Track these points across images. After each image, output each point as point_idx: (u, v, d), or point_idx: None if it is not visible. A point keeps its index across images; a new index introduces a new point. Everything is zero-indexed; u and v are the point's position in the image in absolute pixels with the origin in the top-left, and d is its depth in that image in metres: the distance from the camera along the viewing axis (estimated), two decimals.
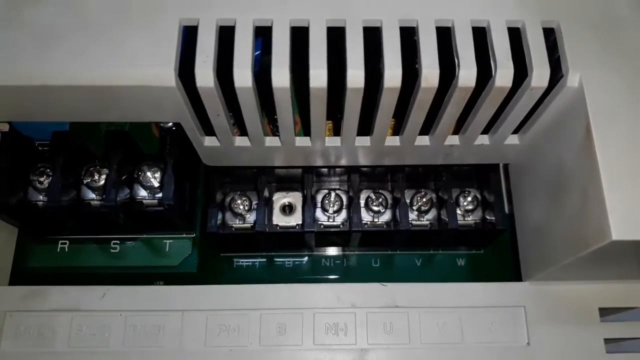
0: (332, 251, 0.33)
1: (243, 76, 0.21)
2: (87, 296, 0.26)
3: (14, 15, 0.22)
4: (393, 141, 0.27)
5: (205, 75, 0.21)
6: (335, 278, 0.32)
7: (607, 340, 0.26)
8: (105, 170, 0.26)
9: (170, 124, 0.27)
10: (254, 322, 0.26)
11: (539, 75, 0.22)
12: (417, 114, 0.24)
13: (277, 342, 0.25)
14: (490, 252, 0.33)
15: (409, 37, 0.22)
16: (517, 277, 0.31)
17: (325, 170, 0.31)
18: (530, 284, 0.27)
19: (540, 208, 0.26)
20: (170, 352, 0.25)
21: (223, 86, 0.22)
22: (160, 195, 0.26)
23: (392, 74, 0.21)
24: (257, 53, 0.23)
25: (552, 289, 0.27)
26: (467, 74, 0.21)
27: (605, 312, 0.26)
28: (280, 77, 0.21)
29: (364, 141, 0.27)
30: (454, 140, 0.27)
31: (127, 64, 0.21)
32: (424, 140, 0.27)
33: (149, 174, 0.26)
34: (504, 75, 0.22)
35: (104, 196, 0.25)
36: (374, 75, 0.22)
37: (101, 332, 0.25)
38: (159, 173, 0.26)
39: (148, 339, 0.25)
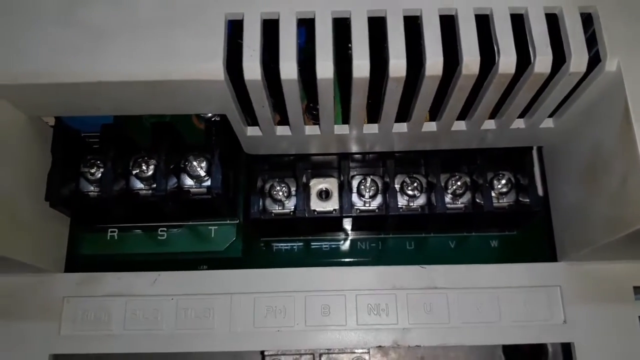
0: (368, 234, 0.33)
1: (289, 68, 0.22)
2: (139, 282, 0.27)
3: (67, 14, 0.23)
4: (430, 127, 0.27)
5: (252, 68, 0.22)
6: (370, 261, 0.33)
7: None
8: (153, 161, 0.27)
9: (212, 115, 0.27)
10: (299, 303, 0.27)
11: (578, 61, 0.22)
12: (456, 101, 0.24)
13: (322, 323, 0.26)
14: (522, 233, 0.33)
15: (448, 25, 0.23)
16: (548, 257, 0.32)
17: (359, 156, 0.32)
18: (565, 264, 0.28)
19: (575, 189, 0.27)
20: (220, 334, 0.26)
21: (268, 78, 0.23)
22: (207, 183, 0.27)
23: (434, 63, 0.22)
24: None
25: (587, 268, 0.27)
26: (507, 61, 0.22)
27: None
28: (325, 68, 0.22)
29: (401, 127, 0.27)
30: (490, 124, 0.27)
31: (177, 59, 0.22)
32: (460, 125, 0.27)
33: (195, 163, 0.27)
34: (543, 61, 0.22)
35: (154, 186, 0.26)
36: (414, 63, 0.22)
37: (154, 315, 0.27)
38: (204, 162, 0.27)
39: (199, 321, 0.26)
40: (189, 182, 0.27)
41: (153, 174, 0.27)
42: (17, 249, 0.24)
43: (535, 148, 0.32)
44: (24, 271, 0.26)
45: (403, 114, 0.26)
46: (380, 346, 0.26)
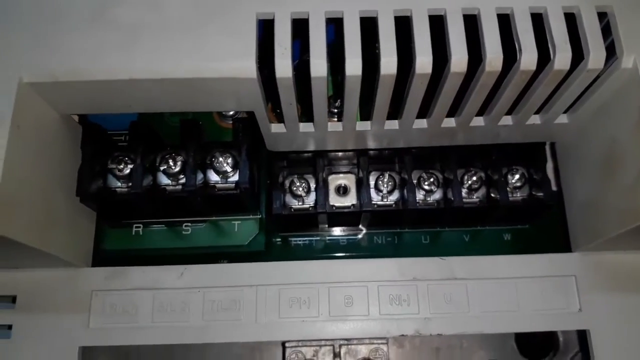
0: (384, 228, 0.34)
1: (319, 66, 0.23)
2: (166, 275, 0.28)
3: (100, 13, 0.24)
4: (449, 123, 0.28)
5: (284, 66, 0.23)
6: (387, 254, 0.33)
7: None
8: (180, 157, 0.27)
9: (236, 112, 0.28)
10: (322, 294, 0.28)
11: (596, 58, 0.23)
12: (477, 97, 0.25)
13: (345, 313, 0.27)
14: (534, 227, 0.34)
15: (470, 23, 0.24)
16: (560, 249, 0.33)
17: (376, 152, 0.32)
18: (580, 254, 0.29)
19: (590, 183, 0.28)
20: (246, 325, 0.27)
21: (296, 76, 0.24)
22: (233, 179, 0.28)
23: (459, 59, 0.23)
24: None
25: (600, 258, 0.28)
26: (529, 58, 0.23)
27: None
28: (354, 66, 0.23)
29: (421, 124, 0.28)
30: (507, 120, 0.28)
31: (209, 57, 0.23)
32: (478, 121, 0.28)
33: (221, 159, 0.28)
34: (562, 58, 0.23)
35: (181, 181, 0.27)
36: (438, 61, 0.23)
37: (181, 308, 0.27)
38: (230, 159, 0.28)
39: (225, 313, 0.27)
40: (215, 177, 0.28)
41: (180, 170, 0.27)
42: (51, 243, 0.25)
43: (548, 143, 0.33)
44: (54, 265, 0.27)
45: (421, 111, 0.27)
46: (402, 335, 0.27)
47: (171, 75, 0.23)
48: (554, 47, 0.23)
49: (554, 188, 0.33)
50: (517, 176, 0.32)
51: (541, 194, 0.31)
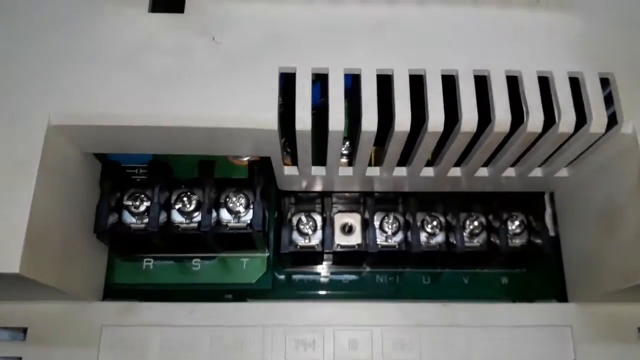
0: (386, 268, 0.36)
1: (337, 121, 0.24)
2: (176, 312, 0.29)
3: (129, 60, 0.25)
4: (455, 172, 0.30)
5: (304, 119, 0.24)
6: (389, 293, 0.35)
7: None
8: (195, 197, 0.29)
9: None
10: (328, 337, 0.29)
11: (597, 123, 0.25)
12: (484, 152, 0.27)
13: (349, 357, 0.29)
14: (531, 271, 0.36)
15: (479, 84, 0.26)
16: (555, 294, 0.35)
17: (381, 193, 0.34)
18: (576, 305, 0.31)
19: (588, 235, 0.30)
20: None
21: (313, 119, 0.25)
22: (245, 218, 0.29)
23: (469, 120, 0.25)
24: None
25: (597, 309, 0.30)
26: (535, 121, 0.25)
27: None
28: (369, 122, 0.24)
29: (428, 172, 0.30)
30: (510, 172, 0.30)
31: (232, 108, 0.25)
32: (483, 172, 0.30)
33: (234, 199, 0.29)
34: (566, 122, 0.25)
35: (195, 219, 0.29)
36: (448, 119, 0.25)
37: (190, 345, 0.29)
38: (243, 199, 0.29)
39: (233, 352, 0.29)
40: (227, 216, 0.30)
41: (195, 208, 0.29)
42: (67, 280, 0.26)
43: (547, 192, 0.35)
44: (66, 298, 0.28)
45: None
46: None
47: (194, 123, 0.25)
48: (559, 111, 0.25)
49: (551, 233, 0.35)
50: (516, 223, 0.34)
51: (539, 241, 0.33)
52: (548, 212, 0.35)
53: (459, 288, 0.35)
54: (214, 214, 0.29)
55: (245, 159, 0.32)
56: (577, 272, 0.31)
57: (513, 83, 0.26)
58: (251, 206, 0.29)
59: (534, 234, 0.34)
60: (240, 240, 0.30)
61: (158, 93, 0.25)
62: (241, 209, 0.29)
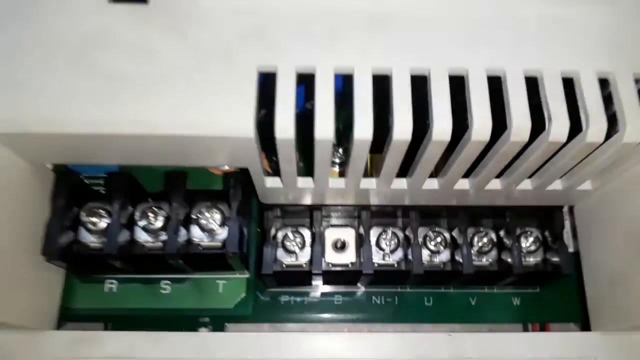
0: (383, 288, 0.33)
1: (325, 128, 0.21)
2: (139, 343, 0.26)
3: (80, 58, 0.21)
4: (463, 184, 0.27)
5: (286, 127, 0.21)
6: (386, 316, 0.32)
7: None
8: (162, 212, 0.25)
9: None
10: None
11: (633, 131, 0.21)
12: (497, 164, 0.24)
13: None
14: (545, 291, 0.33)
15: (493, 88, 0.22)
16: (572, 317, 0.32)
17: (379, 208, 0.31)
18: (601, 335, 0.27)
19: (614, 256, 0.26)
20: None
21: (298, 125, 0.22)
22: (220, 237, 0.26)
23: (481, 128, 0.21)
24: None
25: (624, 339, 0.27)
26: (559, 129, 0.21)
27: None
28: (363, 129, 0.21)
29: (432, 184, 0.27)
30: (525, 184, 0.27)
31: (202, 113, 0.21)
32: (495, 184, 0.27)
33: (207, 215, 0.26)
34: (596, 131, 0.21)
35: (162, 238, 0.25)
36: (457, 125, 0.22)
37: None
38: (218, 215, 0.26)
39: None
40: (199, 234, 0.26)
41: (162, 226, 0.25)
42: (13, 312, 0.23)
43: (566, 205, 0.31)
44: (11, 328, 0.25)
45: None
46: None
47: (157, 131, 0.21)
48: (586, 117, 0.22)
49: (570, 249, 0.31)
50: (530, 239, 0.30)
51: (557, 259, 0.30)
52: (567, 227, 0.31)
53: (464, 310, 0.32)
54: (183, 231, 0.25)
55: (226, 168, 0.28)
56: (601, 296, 0.28)
57: (531, 85, 0.22)
58: (227, 223, 0.25)
59: (550, 252, 0.30)
60: (215, 261, 0.26)
61: (114, 95, 0.21)
62: (215, 226, 0.26)
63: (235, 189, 0.25)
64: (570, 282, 0.32)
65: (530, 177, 0.27)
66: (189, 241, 0.26)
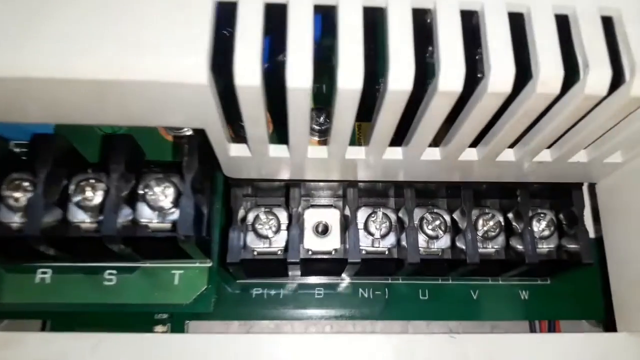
0: (372, 279, 0.28)
1: (302, 73, 0.16)
2: (75, 346, 0.21)
3: None
4: (469, 155, 0.22)
5: (249, 71, 0.16)
6: (375, 312, 0.27)
7: None
8: (101, 185, 0.21)
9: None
10: None
11: None
12: (515, 126, 0.19)
13: None
14: (559, 282, 0.29)
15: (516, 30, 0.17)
16: (592, 312, 0.28)
17: (369, 184, 0.26)
18: (630, 337, 0.23)
19: None
20: None
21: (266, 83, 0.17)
22: (172, 217, 0.21)
23: (501, 76, 0.17)
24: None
25: None
26: (598, 79, 0.17)
27: None
28: (352, 76, 0.16)
29: (433, 154, 0.22)
30: (544, 156, 0.22)
31: (140, 52, 0.16)
32: (508, 155, 0.22)
33: (157, 190, 0.21)
34: None
35: (102, 220, 0.20)
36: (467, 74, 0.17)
37: None
38: (171, 189, 0.21)
39: None
40: (148, 214, 0.21)
41: (101, 202, 0.20)
42: None
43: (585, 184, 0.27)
44: None
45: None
46: None
47: (82, 75, 0.16)
48: (631, 65, 0.17)
49: (591, 235, 0.27)
50: (544, 223, 0.27)
51: (575, 246, 0.26)
52: (587, 209, 0.27)
53: (465, 305, 0.29)
54: (127, 210, 0.20)
55: (187, 132, 0.23)
56: (629, 290, 0.24)
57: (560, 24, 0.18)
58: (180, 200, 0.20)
59: (566, 238, 0.26)
60: (168, 246, 0.22)
61: (26, 33, 0.16)
62: (166, 203, 0.21)
63: (190, 157, 0.20)
64: (589, 273, 0.27)
65: (549, 146, 0.22)
66: (135, 222, 0.21)
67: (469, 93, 0.18)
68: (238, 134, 0.23)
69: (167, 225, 0.21)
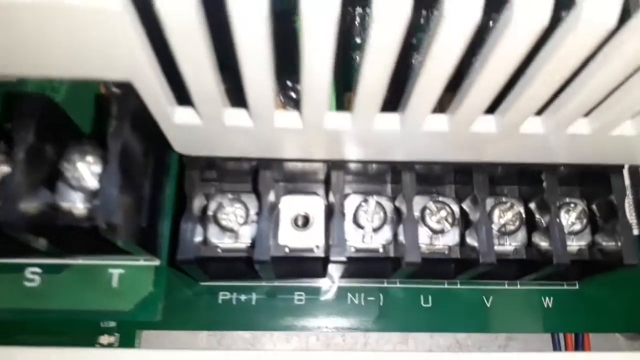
0: (364, 282, 0.25)
1: None
2: None
3: None
4: (486, 124, 0.17)
5: None
6: (367, 322, 0.24)
7: None
8: (6, 158, 0.16)
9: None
10: None
11: None
12: (547, 80, 0.14)
13: None
14: (587, 287, 0.25)
15: None
16: (630, 325, 0.25)
17: (359, 165, 0.22)
18: None
19: None
20: None
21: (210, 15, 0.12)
22: (97, 203, 0.16)
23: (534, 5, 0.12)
24: None
25: None
26: None
27: None
28: (325, 3, 0.12)
29: (439, 122, 0.17)
30: (581, 126, 0.18)
31: None
32: (535, 126, 0.17)
33: (80, 166, 0.16)
34: None
35: (3, 205, 0.16)
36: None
37: None
38: (99, 166, 0.16)
39: None
40: (71, 195, 0.17)
41: (5, 183, 0.16)
42: None
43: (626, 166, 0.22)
44: None
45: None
46: None
47: None
48: None
49: (635, 232, 0.22)
50: (574, 215, 0.23)
51: (612, 243, 0.21)
52: (629, 198, 0.22)
53: (476, 314, 0.26)
54: (44, 192, 0.16)
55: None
56: None
57: None
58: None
59: (601, 233, 0.23)
60: (97, 239, 0.17)
61: None
62: (92, 182, 0.16)
63: (118, 120, 0.15)
64: (628, 277, 0.23)
65: (587, 114, 0.17)
66: (54, 207, 0.17)
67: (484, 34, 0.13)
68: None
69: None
